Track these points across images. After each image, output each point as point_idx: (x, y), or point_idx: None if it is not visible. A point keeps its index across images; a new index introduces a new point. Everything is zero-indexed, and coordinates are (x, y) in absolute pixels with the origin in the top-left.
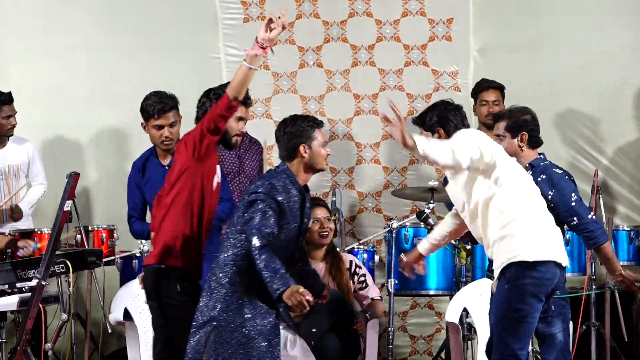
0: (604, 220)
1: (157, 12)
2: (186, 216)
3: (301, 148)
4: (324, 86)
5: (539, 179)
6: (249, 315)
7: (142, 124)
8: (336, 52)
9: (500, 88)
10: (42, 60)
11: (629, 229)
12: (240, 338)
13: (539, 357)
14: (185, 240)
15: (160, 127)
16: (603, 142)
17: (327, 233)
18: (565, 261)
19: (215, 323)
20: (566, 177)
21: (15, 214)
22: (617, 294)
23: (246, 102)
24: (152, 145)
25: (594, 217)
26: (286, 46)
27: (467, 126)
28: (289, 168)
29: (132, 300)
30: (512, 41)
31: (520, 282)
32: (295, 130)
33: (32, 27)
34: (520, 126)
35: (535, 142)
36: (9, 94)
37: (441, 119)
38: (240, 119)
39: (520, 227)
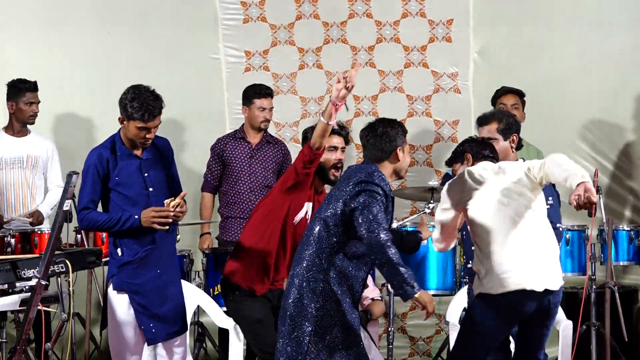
0: (604, 220)
1: (157, 13)
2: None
3: (398, 151)
4: (323, 87)
5: None
6: (346, 308)
7: (120, 118)
8: (336, 53)
9: (520, 94)
10: (42, 60)
11: (629, 229)
12: (342, 331)
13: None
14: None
15: (145, 129)
16: (603, 143)
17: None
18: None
19: (315, 319)
20: None
21: (34, 219)
22: (617, 294)
23: (340, 132)
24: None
25: (560, 227)
26: (286, 47)
27: None
28: (380, 169)
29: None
30: (512, 43)
31: None
32: (395, 133)
33: (32, 27)
34: (511, 128)
35: (519, 144)
36: (34, 83)
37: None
38: (333, 148)
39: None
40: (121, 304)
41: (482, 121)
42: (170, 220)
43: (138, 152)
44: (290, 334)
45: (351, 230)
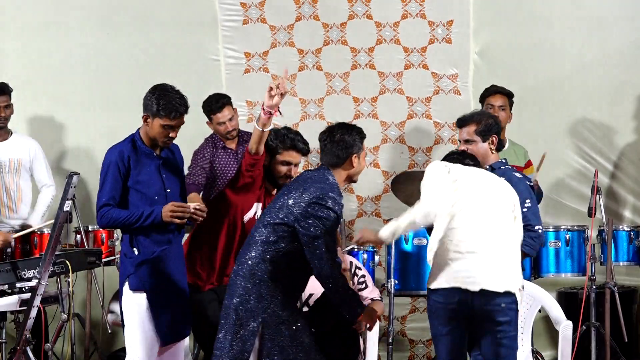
0: (604, 220)
1: (156, 14)
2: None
3: (354, 158)
4: (323, 89)
5: None
6: (292, 308)
7: (144, 116)
8: (336, 55)
9: (508, 95)
10: (41, 60)
11: (629, 229)
12: (290, 330)
13: (539, 357)
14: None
15: (170, 128)
16: (603, 144)
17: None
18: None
19: (261, 320)
20: (525, 183)
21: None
22: (617, 294)
23: (301, 150)
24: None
25: (540, 229)
26: (285, 48)
27: None
28: (334, 176)
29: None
30: (512, 43)
31: None
32: (352, 140)
33: (31, 28)
34: (490, 130)
35: (500, 145)
36: (2, 85)
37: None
38: (287, 163)
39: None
40: (140, 303)
41: (461, 123)
42: (188, 215)
43: (157, 152)
44: (236, 333)
45: (297, 240)
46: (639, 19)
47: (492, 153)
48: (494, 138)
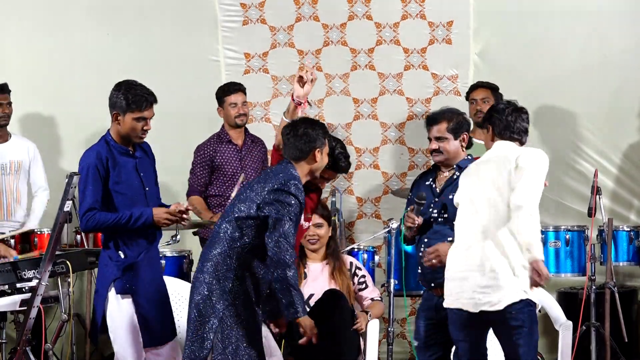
0: (605, 221)
1: (156, 14)
2: None
3: (316, 152)
4: (323, 90)
5: None
6: (254, 308)
7: (114, 114)
8: (335, 56)
9: (491, 88)
10: (41, 60)
11: (629, 229)
12: (247, 330)
13: (539, 357)
14: None
15: (143, 120)
16: (604, 144)
17: (315, 239)
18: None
19: (221, 316)
20: None
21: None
22: (617, 294)
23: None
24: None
25: None
26: (285, 49)
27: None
28: (296, 169)
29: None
30: (512, 44)
31: None
32: (315, 134)
33: (31, 27)
34: (461, 127)
35: (469, 143)
36: (2, 84)
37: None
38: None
39: None
40: (128, 308)
41: (432, 121)
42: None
43: (131, 150)
44: (196, 331)
45: (263, 234)
46: (639, 19)
47: (463, 151)
48: (465, 136)
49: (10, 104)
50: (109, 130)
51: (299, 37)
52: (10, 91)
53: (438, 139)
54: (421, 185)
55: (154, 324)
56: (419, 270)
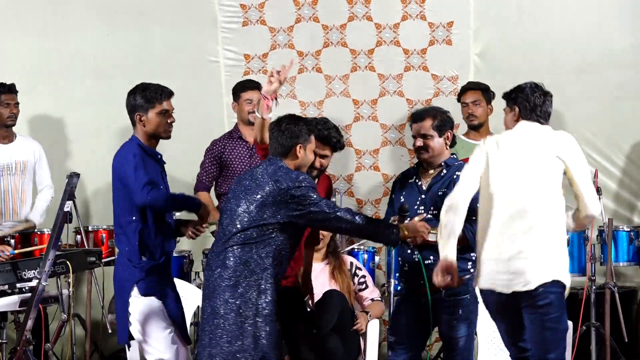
0: (605, 221)
1: (156, 15)
2: None
3: (298, 148)
4: (323, 91)
5: (456, 176)
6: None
7: (137, 115)
8: (335, 57)
9: (481, 89)
10: (41, 61)
11: (629, 229)
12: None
13: None
14: None
15: (167, 112)
16: (604, 144)
17: (320, 239)
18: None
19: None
20: None
21: (29, 228)
22: (617, 294)
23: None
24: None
25: None
26: (285, 51)
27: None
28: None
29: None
30: (512, 45)
31: None
32: (298, 130)
33: (31, 27)
34: (445, 125)
35: (453, 141)
36: (11, 85)
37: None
38: (321, 156)
39: None
40: (154, 306)
41: (416, 118)
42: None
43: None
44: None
45: (269, 239)
46: (639, 19)
47: (447, 149)
48: (449, 134)
49: (17, 104)
50: (133, 135)
51: (299, 38)
52: (17, 92)
53: (423, 136)
54: (406, 184)
55: (182, 324)
56: (405, 268)
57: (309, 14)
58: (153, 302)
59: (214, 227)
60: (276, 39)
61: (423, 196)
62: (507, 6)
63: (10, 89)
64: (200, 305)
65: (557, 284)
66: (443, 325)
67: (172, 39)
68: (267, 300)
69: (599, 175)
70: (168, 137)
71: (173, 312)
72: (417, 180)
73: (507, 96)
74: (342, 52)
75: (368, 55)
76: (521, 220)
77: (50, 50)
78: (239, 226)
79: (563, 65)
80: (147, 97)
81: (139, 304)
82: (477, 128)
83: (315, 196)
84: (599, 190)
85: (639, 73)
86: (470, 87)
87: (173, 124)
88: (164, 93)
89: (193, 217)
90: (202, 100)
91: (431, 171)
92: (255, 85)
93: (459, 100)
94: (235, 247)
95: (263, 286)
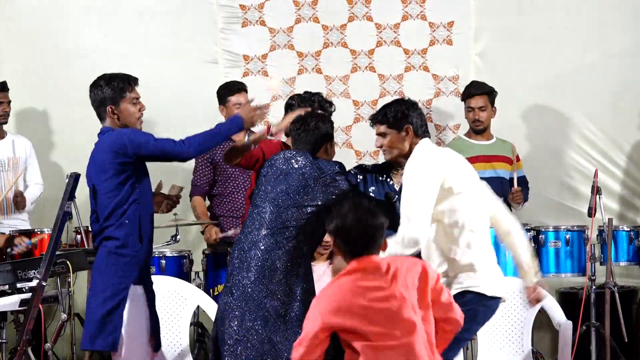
0: (605, 221)
1: (155, 16)
2: None
3: (328, 146)
4: (323, 92)
5: None
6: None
7: (109, 108)
8: (335, 58)
9: (488, 93)
10: (40, 61)
11: (628, 229)
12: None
13: (539, 357)
14: None
15: (137, 100)
16: (604, 144)
17: (329, 245)
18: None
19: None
20: None
21: (19, 198)
22: (617, 294)
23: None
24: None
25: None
26: (285, 51)
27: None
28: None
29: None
30: (512, 44)
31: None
32: (325, 128)
33: (29, 27)
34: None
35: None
36: (2, 83)
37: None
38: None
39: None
40: (139, 294)
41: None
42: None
43: None
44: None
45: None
46: (639, 19)
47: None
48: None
49: (9, 102)
50: (104, 128)
51: (299, 39)
52: (8, 90)
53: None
54: (377, 181)
55: (157, 324)
56: None
57: (309, 15)
58: (138, 289)
59: None
60: (276, 40)
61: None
62: (507, 6)
63: (2, 87)
64: (201, 305)
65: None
66: None
67: (171, 39)
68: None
69: (599, 174)
70: (141, 124)
71: (152, 308)
72: (388, 179)
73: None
74: (343, 52)
75: (368, 56)
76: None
77: (47, 50)
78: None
79: (563, 65)
80: (116, 88)
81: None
82: (480, 132)
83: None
84: (598, 190)
85: (639, 73)
86: (477, 92)
87: (143, 108)
88: (132, 80)
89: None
90: (202, 101)
91: (402, 171)
92: (241, 88)
93: (463, 100)
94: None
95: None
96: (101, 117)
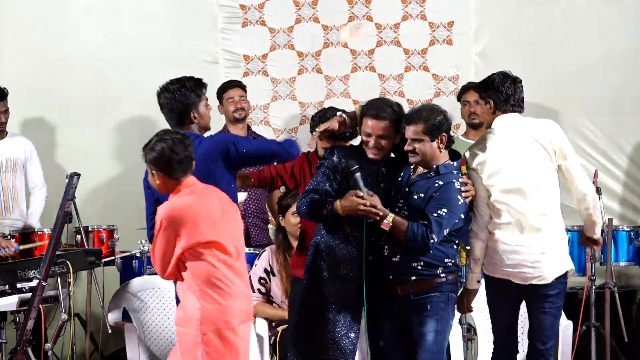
0: (605, 221)
1: (155, 16)
2: None
3: None
4: (323, 92)
5: (437, 185)
6: None
7: (193, 112)
8: (336, 57)
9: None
10: (40, 61)
11: (628, 229)
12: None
13: None
14: None
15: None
16: (604, 144)
17: None
18: None
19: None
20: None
21: (28, 229)
22: (617, 294)
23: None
24: None
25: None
26: (285, 51)
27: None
28: None
29: (131, 300)
30: (512, 45)
31: None
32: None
33: (30, 28)
34: (440, 128)
35: (449, 141)
36: (1, 90)
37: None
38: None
39: None
40: None
41: (409, 120)
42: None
43: None
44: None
45: None
46: (639, 19)
47: (441, 152)
48: (443, 137)
49: (7, 110)
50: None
51: (299, 39)
52: (7, 94)
53: (414, 140)
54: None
55: None
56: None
57: (309, 14)
58: None
59: None
60: (276, 40)
61: (406, 189)
62: (507, 6)
63: (1, 96)
64: None
65: (566, 274)
66: (414, 324)
67: (171, 39)
68: None
69: (600, 174)
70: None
71: None
72: (411, 171)
73: (478, 89)
74: (343, 52)
75: (368, 56)
76: (536, 216)
77: (47, 50)
78: None
79: (563, 65)
80: (195, 91)
81: None
82: (477, 127)
83: None
84: (598, 190)
85: (639, 73)
86: (472, 86)
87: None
88: (202, 82)
89: None
90: None
91: (420, 169)
92: (235, 84)
93: (459, 99)
94: None
95: None
96: (181, 123)
